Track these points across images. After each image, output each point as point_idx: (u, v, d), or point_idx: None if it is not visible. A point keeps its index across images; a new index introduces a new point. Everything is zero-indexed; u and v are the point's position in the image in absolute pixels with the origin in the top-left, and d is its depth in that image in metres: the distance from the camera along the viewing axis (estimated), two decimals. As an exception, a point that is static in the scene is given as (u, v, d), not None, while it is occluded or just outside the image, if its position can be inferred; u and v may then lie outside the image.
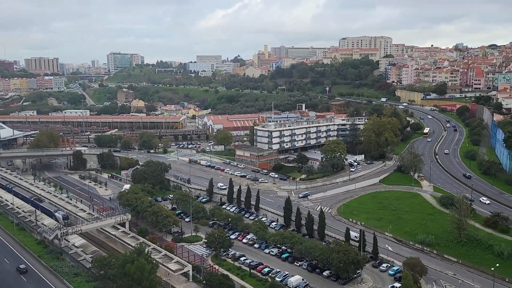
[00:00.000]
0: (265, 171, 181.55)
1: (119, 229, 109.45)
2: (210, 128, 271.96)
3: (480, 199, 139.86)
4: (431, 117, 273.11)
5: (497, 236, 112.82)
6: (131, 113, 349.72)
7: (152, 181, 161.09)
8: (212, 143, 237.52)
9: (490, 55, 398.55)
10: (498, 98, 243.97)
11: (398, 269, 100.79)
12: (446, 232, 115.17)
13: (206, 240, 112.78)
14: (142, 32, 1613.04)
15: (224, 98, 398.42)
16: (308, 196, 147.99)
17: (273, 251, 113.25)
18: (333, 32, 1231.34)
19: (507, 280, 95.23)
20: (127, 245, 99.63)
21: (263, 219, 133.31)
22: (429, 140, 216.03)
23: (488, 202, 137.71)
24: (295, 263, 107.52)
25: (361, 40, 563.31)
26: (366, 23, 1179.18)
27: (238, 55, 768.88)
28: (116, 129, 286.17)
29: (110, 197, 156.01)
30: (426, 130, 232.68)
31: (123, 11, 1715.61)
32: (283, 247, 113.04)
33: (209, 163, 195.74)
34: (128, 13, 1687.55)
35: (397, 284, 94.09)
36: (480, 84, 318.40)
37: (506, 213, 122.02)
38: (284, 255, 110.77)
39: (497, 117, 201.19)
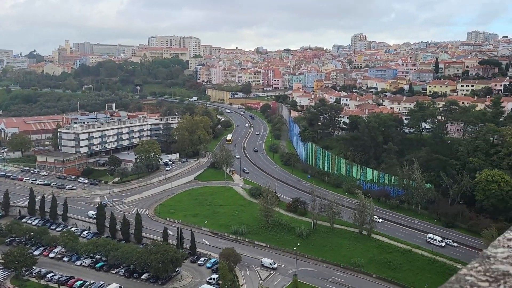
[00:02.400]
0: (73, 176, 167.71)
1: None
2: (3, 132, 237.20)
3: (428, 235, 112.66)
4: (250, 121, 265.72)
5: (298, 219, 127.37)
6: None
7: None
8: (5, 150, 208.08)
9: (286, 59, 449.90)
10: (293, 97, 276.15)
11: (215, 261, 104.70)
12: (256, 220, 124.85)
13: (2, 261, 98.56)
14: None
15: (19, 98, 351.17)
16: (108, 204, 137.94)
17: (85, 262, 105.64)
18: (141, 30, 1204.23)
19: (306, 256, 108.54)
20: None
21: (73, 229, 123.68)
22: (238, 157, 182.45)
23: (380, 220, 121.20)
24: (111, 271, 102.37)
25: (171, 40, 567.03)
26: (174, 23, 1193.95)
27: (35, 50, 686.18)
28: None
29: None
30: (228, 137, 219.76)
31: None
32: (97, 256, 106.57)
33: (2, 173, 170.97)
34: None
35: (214, 276, 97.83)
36: (278, 84, 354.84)
37: (303, 197, 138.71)
38: (98, 265, 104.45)
39: (293, 114, 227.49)
